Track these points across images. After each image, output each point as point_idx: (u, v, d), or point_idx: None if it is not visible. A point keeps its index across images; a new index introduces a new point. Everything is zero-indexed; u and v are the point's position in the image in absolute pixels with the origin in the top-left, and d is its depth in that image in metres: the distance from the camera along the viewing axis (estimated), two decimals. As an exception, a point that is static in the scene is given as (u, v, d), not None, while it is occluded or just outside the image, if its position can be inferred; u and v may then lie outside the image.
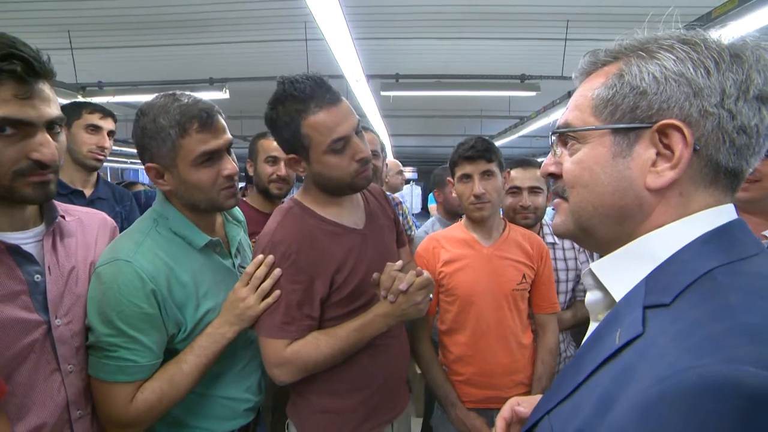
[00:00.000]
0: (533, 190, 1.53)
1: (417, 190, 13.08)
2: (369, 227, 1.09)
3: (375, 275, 0.98)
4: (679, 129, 0.45)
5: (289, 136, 0.97)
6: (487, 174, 1.29)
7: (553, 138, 0.55)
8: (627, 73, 0.48)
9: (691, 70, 0.45)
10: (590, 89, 0.51)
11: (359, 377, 1.04)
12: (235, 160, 0.98)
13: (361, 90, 4.24)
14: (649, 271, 0.46)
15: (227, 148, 0.95)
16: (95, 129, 1.70)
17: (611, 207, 0.49)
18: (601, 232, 0.52)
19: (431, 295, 1.01)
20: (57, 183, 0.76)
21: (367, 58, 3.79)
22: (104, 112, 1.73)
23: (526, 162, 1.59)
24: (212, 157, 0.92)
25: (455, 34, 3.96)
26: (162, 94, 0.93)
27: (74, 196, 1.62)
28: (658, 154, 0.46)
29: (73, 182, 1.66)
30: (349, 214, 1.07)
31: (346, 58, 3.23)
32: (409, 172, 13.41)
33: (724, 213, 0.47)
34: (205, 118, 0.89)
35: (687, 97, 0.45)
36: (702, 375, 0.31)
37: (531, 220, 1.54)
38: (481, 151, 1.28)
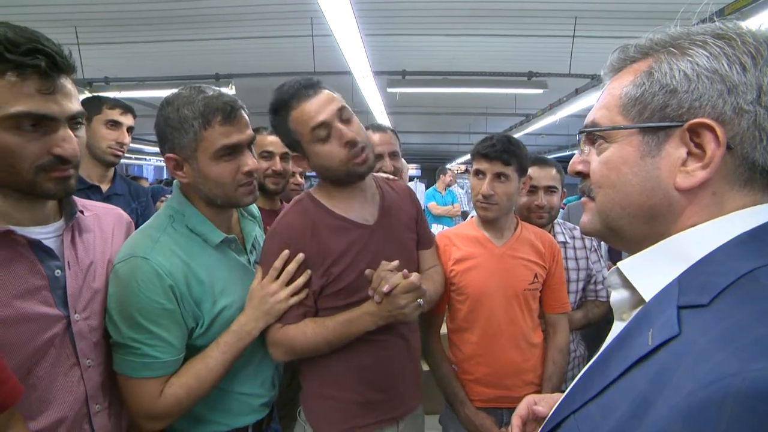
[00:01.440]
0: (549, 190, 1.50)
1: (421, 187, 13.06)
2: (380, 223, 1.09)
3: (368, 271, 0.98)
4: (711, 128, 0.43)
5: (285, 136, 1.05)
6: (500, 176, 1.26)
7: (581, 136, 0.55)
8: (657, 71, 0.47)
9: (726, 66, 0.43)
10: (618, 87, 0.50)
11: (360, 371, 1.05)
12: (256, 156, 0.98)
13: (368, 86, 4.24)
14: (681, 271, 0.44)
15: (248, 144, 0.95)
16: (115, 124, 1.68)
17: (639, 207, 0.49)
18: (630, 232, 0.51)
19: (421, 301, 0.99)
20: (77, 178, 0.76)
21: (374, 55, 3.78)
22: (125, 107, 1.72)
23: (542, 161, 1.56)
24: (233, 151, 0.92)
25: (462, 30, 3.94)
26: (187, 86, 0.93)
27: (91, 192, 1.61)
28: (689, 153, 0.45)
29: (91, 177, 1.65)
30: (360, 208, 1.08)
31: (354, 55, 3.24)
32: (413, 169, 13.40)
33: (763, 213, 0.44)
34: (229, 111, 0.90)
35: (720, 94, 0.43)
36: (756, 379, 0.31)
37: (545, 219, 1.51)
38: (498, 151, 1.24)
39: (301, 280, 1.00)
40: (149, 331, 0.85)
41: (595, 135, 0.52)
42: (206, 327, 0.93)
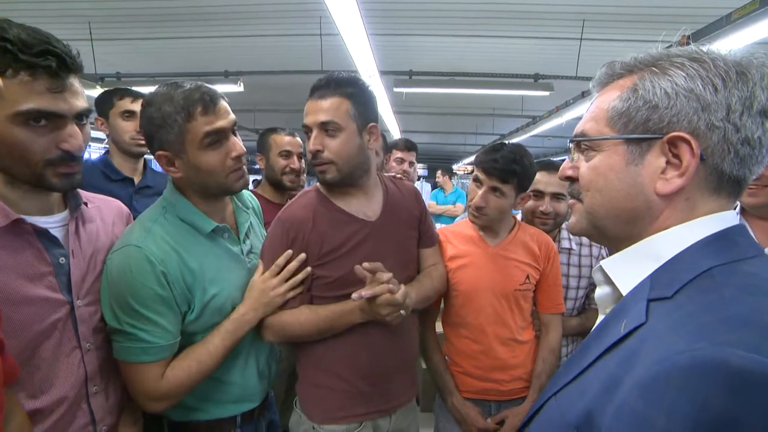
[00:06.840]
0: (556, 196, 1.46)
1: (427, 187, 13.08)
2: (382, 220, 1.13)
3: (356, 267, 0.99)
4: (687, 141, 0.48)
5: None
6: (495, 191, 1.26)
7: (571, 145, 0.60)
8: (641, 88, 0.52)
9: (700, 86, 0.48)
10: (606, 101, 0.55)
11: (353, 363, 1.09)
12: (241, 141, 1.00)
13: (375, 86, 4.26)
14: (654, 269, 0.50)
15: (232, 129, 0.98)
16: (130, 114, 1.66)
17: (622, 209, 0.54)
18: (612, 232, 0.57)
19: (403, 312, 1.01)
20: (82, 173, 0.80)
21: (381, 54, 3.80)
22: (134, 95, 1.71)
23: (551, 165, 1.50)
24: (219, 138, 0.94)
25: (470, 31, 3.95)
26: (163, 84, 0.95)
27: (124, 184, 1.64)
28: (667, 162, 0.50)
29: (122, 170, 1.67)
30: (361, 205, 1.12)
31: (360, 54, 3.25)
32: (419, 169, 13.37)
33: (726, 218, 0.51)
34: (208, 101, 0.92)
35: (695, 111, 0.48)
36: (694, 356, 0.36)
37: (549, 225, 1.48)
38: (498, 169, 1.23)
39: (300, 276, 1.05)
40: (144, 317, 0.89)
41: (584, 144, 0.57)
42: (197, 314, 0.97)
